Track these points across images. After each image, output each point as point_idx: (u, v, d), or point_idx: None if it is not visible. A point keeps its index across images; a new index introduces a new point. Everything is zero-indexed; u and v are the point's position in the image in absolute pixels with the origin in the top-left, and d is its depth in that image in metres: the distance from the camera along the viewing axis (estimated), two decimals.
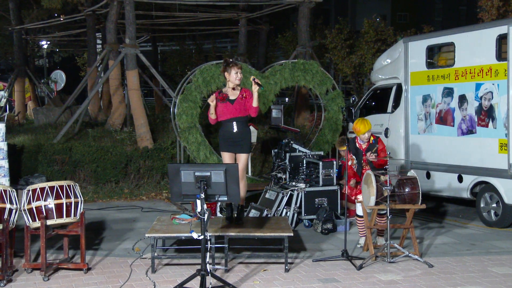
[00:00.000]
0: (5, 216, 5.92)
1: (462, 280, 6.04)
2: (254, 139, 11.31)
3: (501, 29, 8.43)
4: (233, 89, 6.87)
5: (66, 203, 6.09)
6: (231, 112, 6.79)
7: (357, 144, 7.36)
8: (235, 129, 6.82)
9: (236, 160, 6.88)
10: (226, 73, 6.86)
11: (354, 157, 7.29)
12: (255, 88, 6.72)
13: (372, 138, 7.35)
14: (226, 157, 6.92)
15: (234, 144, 6.84)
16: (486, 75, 8.63)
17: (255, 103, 6.78)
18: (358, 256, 6.90)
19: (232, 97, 6.83)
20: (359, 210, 7.46)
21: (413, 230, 6.96)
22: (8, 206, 5.96)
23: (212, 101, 6.73)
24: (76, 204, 6.20)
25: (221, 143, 6.97)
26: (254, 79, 6.76)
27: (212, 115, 6.82)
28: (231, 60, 6.96)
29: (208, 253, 5.41)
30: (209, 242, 5.48)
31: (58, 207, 6.06)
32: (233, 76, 6.81)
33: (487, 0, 14.46)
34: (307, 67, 11.31)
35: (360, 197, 7.35)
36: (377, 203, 6.75)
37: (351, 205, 8.45)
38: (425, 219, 9.24)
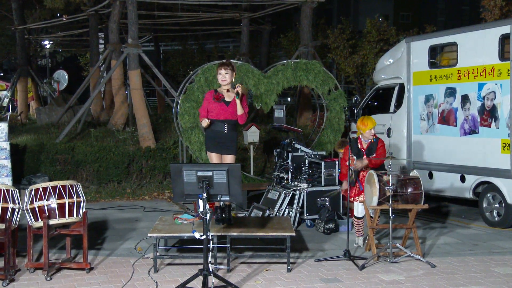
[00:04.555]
0: (8, 216, 5.93)
1: (465, 280, 6.03)
2: (256, 139, 11.33)
3: (504, 29, 8.42)
4: (228, 91, 6.86)
5: (68, 202, 6.10)
6: (225, 114, 6.78)
7: (359, 145, 7.34)
8: (225, 131, 6.82)
9: (223, 161, 6.88)
10: (217, 75, 6.90)
11: (355, 157, 7.27)
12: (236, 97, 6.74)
13: (373, 136, 7.36)
14: (213, 157, 6.92)
15: (221, 145, 6.84)
16: (489, 75, 8.62)
17: (239, 111, 6.79)
18: (360, 256, 6.89)
19: (227, 99, 6.82)
20: (357, 212, 7.44)
21: (415, 230, 6.95)
22: (10, 205, 5.97)
23: (206, 124, 6.74)
24: (79, 203, 6.21)
25: (208, 142, 6.94)
26: (237, 87, 6.75)
27: (203, 124, 6.84)
28: (224, 60, 6.95)
29: (210, 253, 5.41)
30: (211, 242, 5.47)
31: (61, 206, 6.06)
32: (219, 77, 6.84)
33: (490, 0, 14.45)
34: (310, 67, 11.30)
35: (357, 198, 7.35)
36: (379, 203, 6.74)
37: (353, 205, 8.44)
38: (428, 219, 9.23)
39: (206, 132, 7.03)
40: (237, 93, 6.69)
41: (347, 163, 7.22)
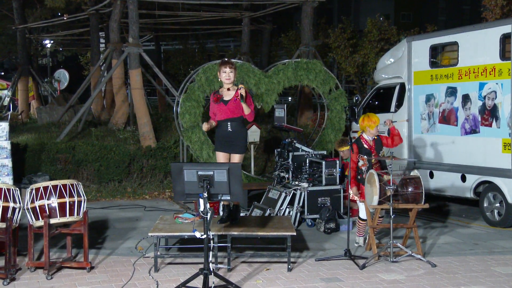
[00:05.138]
0: (9, 215, 5.93)
1: (465, 279, 6.03)
2: (257, 138, 11.31)
3: (505, 28, 8.41)
4: (228, 89, 6.85)
5: (69, 202, 6.10)
6: (226, 113, 6.77)
7: (365, 144, 7.30)
8: (230, 129, 6.81)
9: (231, 160, 6.87)
10: (218, 73, 6.89)
11: (365, 156, 7.23)
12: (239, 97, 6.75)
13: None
14: (220, 156, 6.91)
15: (229, 144, 6.82)
16: (490, 74, 8.62)
17: (245, 111, 6.79)
18: (361, 255, 6.89)
19: (226, 98, 6.81)
20: (362, 213, 7.39)
21: (416, 229, 6.95)
22: (11, 205, 5.97)
23: (205, 129, 6.83)
24: (79, 203, 6.21)
25: (217, 142, 6.97)
26: (239, 89, 6.74)
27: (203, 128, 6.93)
28: (225, 59, 6.95)
29: (211, 252, 5.41)
30: (212, 241, 5.47)
31: (61, 206, 6.07)
32: (222, 76, 6.82)
33: None
34: (310, 67, 11.29)
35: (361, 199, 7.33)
36: (380, 203, 6.74)
37: (354, 205, 8.43)
38: (428, 218, 9.23)
39: (215, 133, 7.04)
40: (241, 96, 6.68)
41: (359, 164, 7.18)
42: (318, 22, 21.90)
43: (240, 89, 6.68)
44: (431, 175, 9.64)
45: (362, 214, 7.41)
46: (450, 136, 9.30)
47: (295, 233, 6.42)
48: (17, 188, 6.22)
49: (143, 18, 20.28)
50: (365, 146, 7.26)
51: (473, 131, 8.91)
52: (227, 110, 6.76)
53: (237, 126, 6.82)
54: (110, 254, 7.00)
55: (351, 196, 7.33)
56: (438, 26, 22.01)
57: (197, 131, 10.36)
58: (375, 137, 7.31)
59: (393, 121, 7.56)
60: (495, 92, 8.53)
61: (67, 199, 6.09)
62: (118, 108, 15.77)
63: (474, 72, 8.88)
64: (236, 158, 6.86)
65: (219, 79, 6.91)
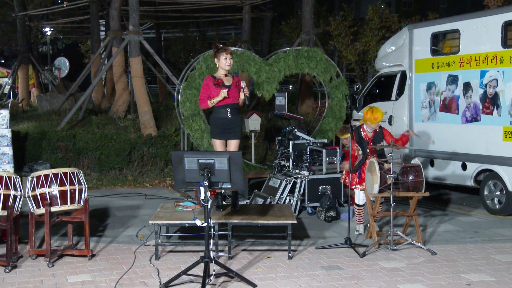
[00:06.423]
0: (10, 203, 5.94)
1: (465, 267, 6.05)
2: (257, 126, 11.31)
3: (507, 16, 8.38)
4: (225, 75, 6.85)
5: (70, 190, 6.11)
6: (227, 98, 6.78)
7: (362, 134, 7.33)
8: (229, 115, 6.83)
9: (227, 146, 6.89)
10: (216, 59, 6.87)
11: (359, 147, 7.27)
12: (241, 95, 6.81)
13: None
14: (218, 144, 6.92)
15: (227, 130, 6.85)
16: (491, 62, 8.59)
17: (240, 102, 6.95)
18: (361, 243, 6.91)
19: (227, 83, 6.82)
20: (358, 199, 7.45)
21: (416, 218, 6.96)
22: (12, 193, 5.98)
23: (225, 95, 6.73)
24: (80, 191, 6.22)
25: (214, 129, 6.95)
26: (243, 88, 6.78)
27: (211, 104, 6.82)
28: (221, 45, 6.94)
29: (211, 240, 5.42)
30: (212, 229, 5.48)
31: (62, 194, 6.07)
32: (223, 62, 6.81)
33: None
34: (311, 55, 11.25)
35: (358, 186, 7.36)
36: (380, 191, 6.75)
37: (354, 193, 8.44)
38: (429, 207, 9.24)
39: (210, 119, 7.02)
40: (246, 97, 6.80)
41: (356, 154, 7.25)
42: (319, 10, 21.79)
43: (244, 88, 6.76)
44: (432, 163, 9.64)
45: (358, 200, 7.45)
46: (451, 125, 9.29)
47: (295, 221, 6.43)
48: (18, 176, 6.23)
49: (144, 5, 20.19)
50: (363, 136, 7.30)
51: (474, 119, 8.90)
52: (229, 96, 6.77)
53: (235, 112, 6.89)
54: (111, 242, 7.03)
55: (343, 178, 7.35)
56: (439, 13, 21.90)
57: (197, 119, 10.35)
58: (377, 129, 7.32)
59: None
60: (497, 80, 8.51)
61: (68, 187, 6.10)
62: (118, 96, 15.75)
63: (475, 60, 8.85)
64: (233, 143, 6.89)
65: (217, 65, 6.89)
